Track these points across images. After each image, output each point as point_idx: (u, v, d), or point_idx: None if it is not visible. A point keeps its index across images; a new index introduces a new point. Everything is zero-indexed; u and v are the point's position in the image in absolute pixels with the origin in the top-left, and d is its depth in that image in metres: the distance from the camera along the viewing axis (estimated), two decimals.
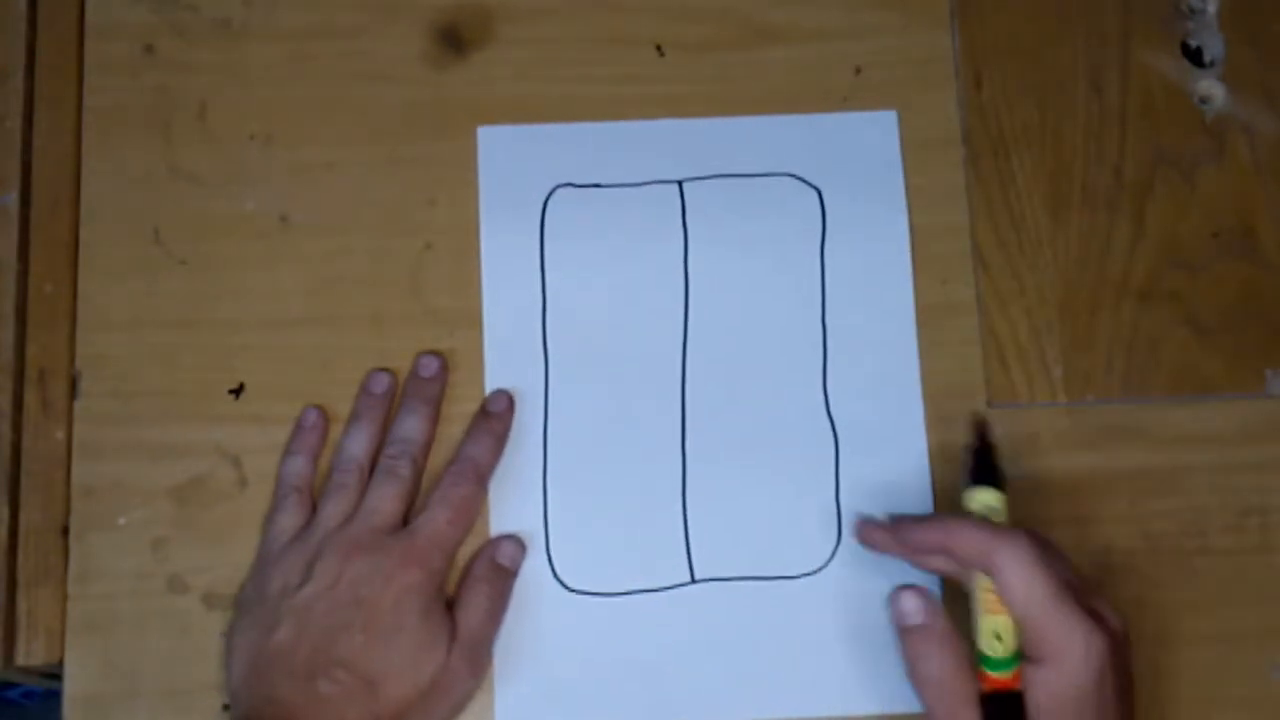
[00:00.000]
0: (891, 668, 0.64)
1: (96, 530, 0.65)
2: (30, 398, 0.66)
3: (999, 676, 0.55)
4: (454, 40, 0.70)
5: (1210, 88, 0.70)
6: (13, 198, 0.67)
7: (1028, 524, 0.65)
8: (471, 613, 0.62)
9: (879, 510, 0.65)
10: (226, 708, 0.63)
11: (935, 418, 0.66)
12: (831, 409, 0.67)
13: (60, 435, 0.66)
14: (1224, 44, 0.71)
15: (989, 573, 0.56)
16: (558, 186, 0.69)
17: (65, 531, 0.65)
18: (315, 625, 0.59)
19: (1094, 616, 0.55)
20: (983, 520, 0.58)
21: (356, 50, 0.70)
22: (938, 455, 0.66)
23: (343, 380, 0.66)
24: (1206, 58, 0.71)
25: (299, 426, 0.66)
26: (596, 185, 0.69)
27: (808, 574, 0.65)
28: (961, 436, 0.66)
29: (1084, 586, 0.57)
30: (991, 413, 0.67)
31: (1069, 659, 0.54)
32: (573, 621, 0.64)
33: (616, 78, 0.70)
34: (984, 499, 0.59)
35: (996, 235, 0.69)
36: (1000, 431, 0.66)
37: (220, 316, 0.67)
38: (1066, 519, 0.66)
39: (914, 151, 0.69)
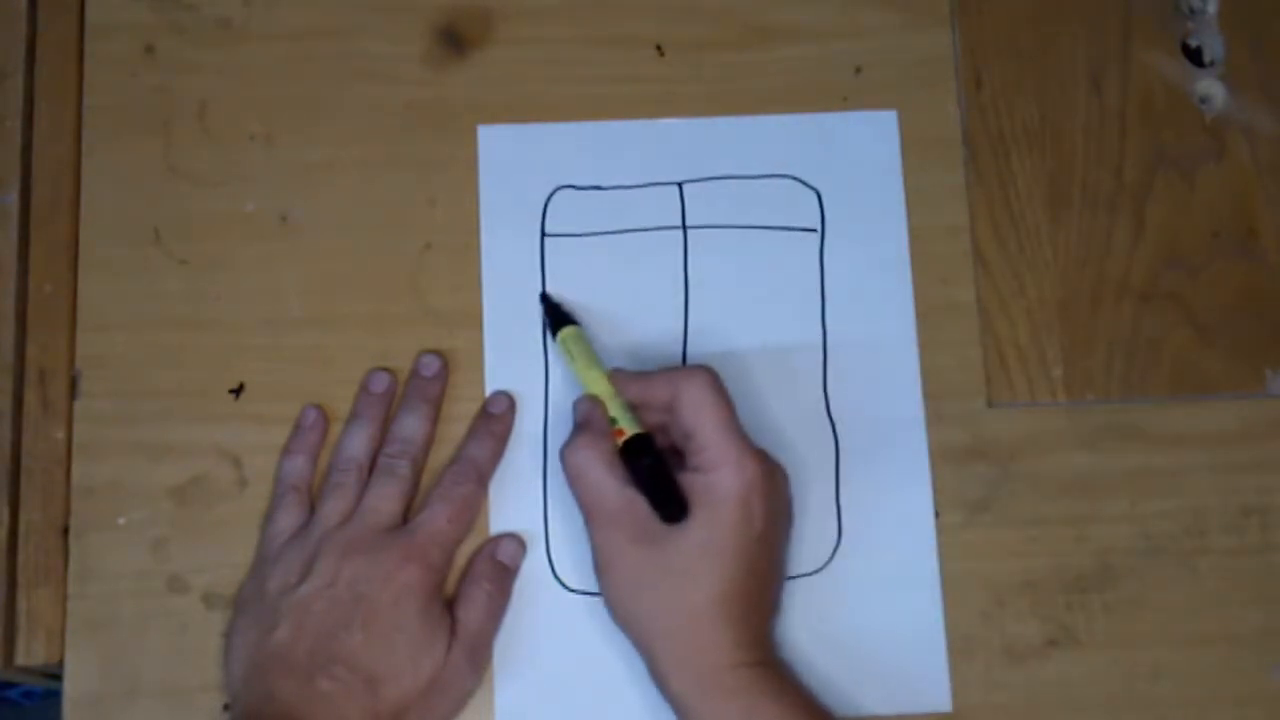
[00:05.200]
0: (892, 668, 0.64)
1: (96, 530, 0.65)
2: (30, 398, 0.66)
3: (621, 428, 0.62)
4: (454, 40, 0.70)
5: (1210, 88, 0.70)
6: (13, 198, 0.67)
7: (1028, 523, 0.65)
8: (471, 610, 0.62)
9: (878, 511, 0.65)
10: (226, 707, 0.63)
11: (935, 418, 0.66)
12: (831, 409, 0.67)
13: (60, 435, 0.66)
14: (1224, 44, 0.71)
15: (677, 402, 0.61)
16: (558, 188, 0.69)
17: (65, 531, 0.65)
18: (314, 623, 0.59)
19: (752, 449, 0.60)
20: (671, 369, 0.64)
21: (356, 50, 0.70)
22: (938, 455, 0.66)
23: (343, 380, 0.66)
24: (1206, 58, 0.71)
25: (298, 426, 0.66)
26: (597, 188, 0.69)
27: (807, 574, 0.65)
28: (962, 437, 0.66)
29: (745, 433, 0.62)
30: (991, 413, 0.67)
31: (724, 474, 0.60)
32: (573, 621, 0.64)
33: (616, 78, 0.70)
34: (568, 333, 0.65)
35: (996, 235, 0.69)
36: (1000, 431, 0.66)
37: (220, 316, 0.67)
38: (1066, 519, 0.66)
39: (914, 151, 0.69)
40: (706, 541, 0.59)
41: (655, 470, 0.61)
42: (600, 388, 0.63)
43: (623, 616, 0.61)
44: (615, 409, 0.63)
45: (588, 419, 0.63)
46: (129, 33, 0.70)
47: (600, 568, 0.62)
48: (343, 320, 0.67)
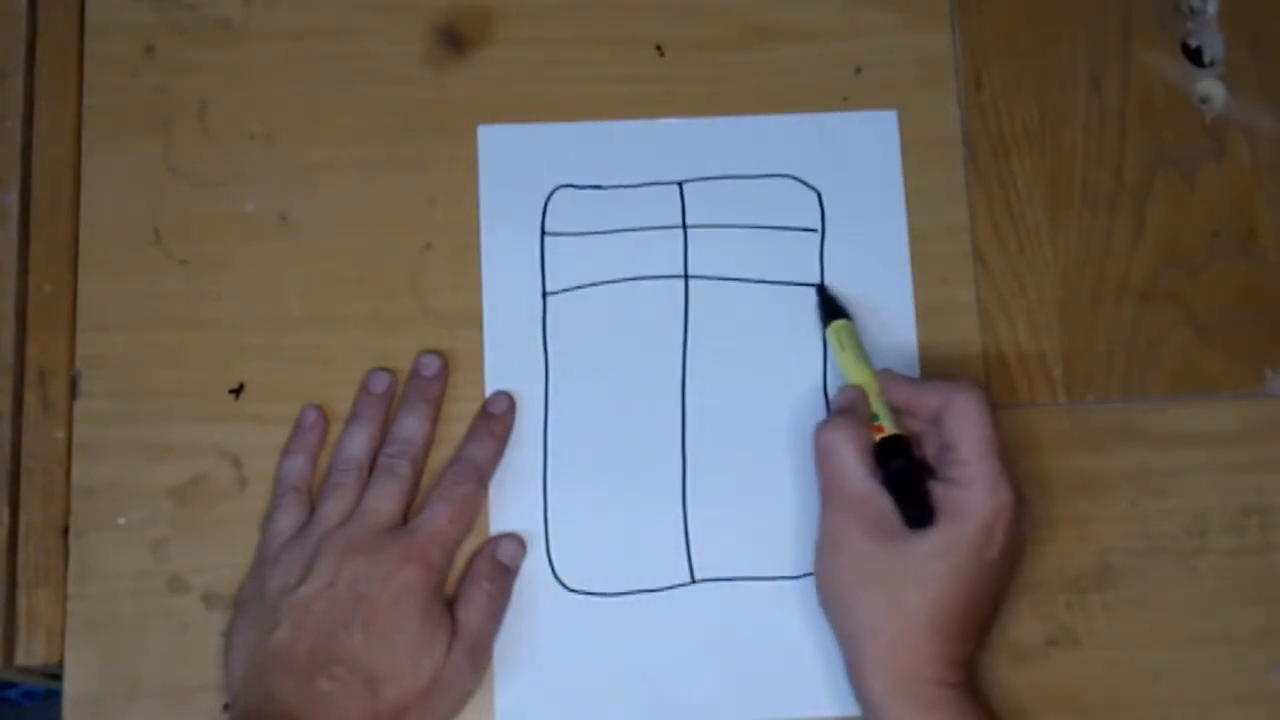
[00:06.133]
0: None
1: (96, 530, 0.65)
2: (30, 398, 0.66)
3: (881, 425, 0.62)
4: (454, 40, 0.71)
5: (1210, 88, 0.70)
6: (13, 198, 0.68)
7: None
8: (472, 610, 0.62)
9: None
10: (227, 708, 0.63)
11: None
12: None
13: (60, 435, 0.66)
14: (1224, 44, 0.71)
15: (945, 412, 0.61)
16: (558, 188, 0.69)
17: (65, 531, 0.65)
18: (314, 623, 0.59)
19: (1009, 478, 0.60)
20: (944, 379, 0.63)
21: (356, 50, 0.70)
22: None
23: (343, 380, 0.66)
24: (1206, 58, 0.71)
25: (298, 426, 0.66)
26: (597, 187, 0.69)
27: (808, 574, 0.65)
28: None
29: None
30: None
31: (977, 491, 0.59)
32: (573, 621, 0.64)
33: (616, 78, 0.70)
34: (841, 325, 0.65)
35: (996, 235, 0.69)
36: (1001, 431, 0.66)
37: (220, 316, 0.67)
38: (1066, 519, 0.66)
39: (914, 151, 0.69)
40: (942, 553, 0.58)
41: (908, 473, 0.61)
42: (867, 383, 0.63)
43: (836, 604, 0.61)
44: (878, 405, 0.62)
45: (851, 405, 0.63)
46: (129, 33, 0.70)
47: (825, 550, 0.62)
48: (343, 320, 0.67)
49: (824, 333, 0.67)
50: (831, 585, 0.61)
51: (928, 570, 0.58)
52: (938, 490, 0.60)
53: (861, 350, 0.65)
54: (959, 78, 0.70)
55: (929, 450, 0.62)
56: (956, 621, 0.59)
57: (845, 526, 0.61)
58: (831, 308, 0.66)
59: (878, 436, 0.62)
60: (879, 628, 0.59)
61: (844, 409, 0.63)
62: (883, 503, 0.60)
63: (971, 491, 0.59)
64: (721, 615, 0.64)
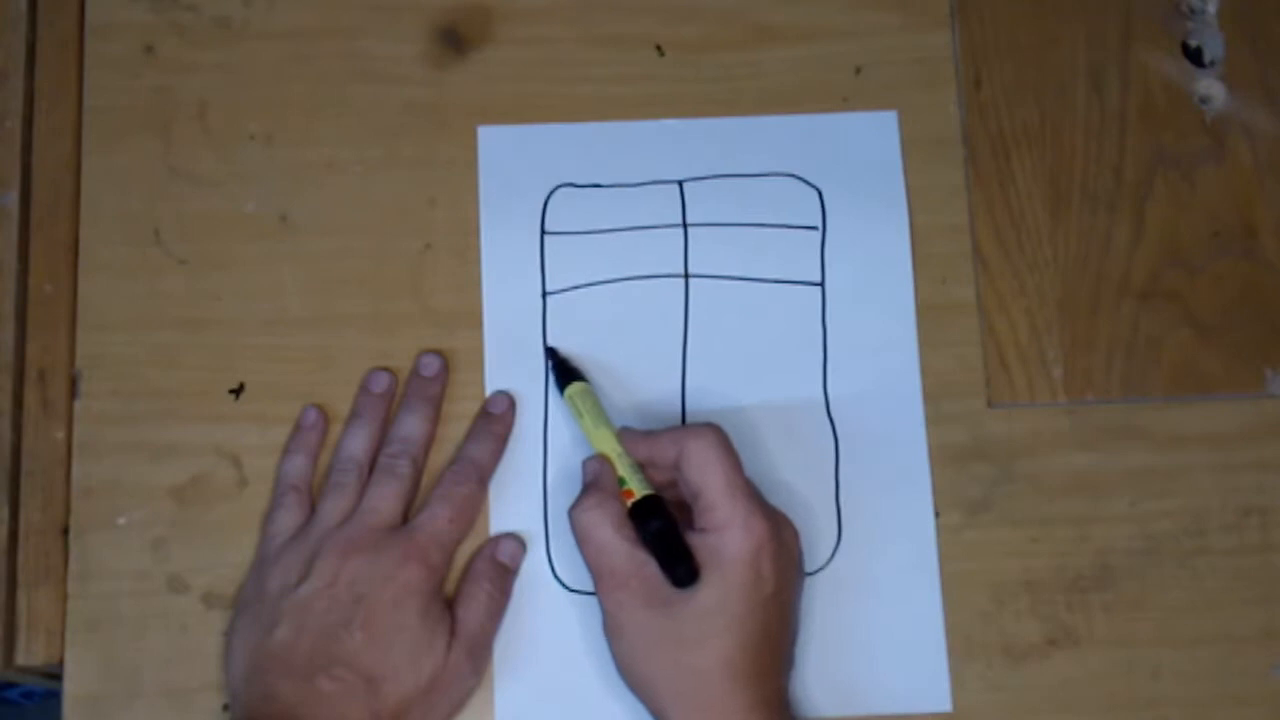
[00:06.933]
0: (892, 668, 0.64)
1: (96, 530, 0.65)
2: (30, 398, 0.66)
3: (630, 489, 0.62)
4: (454, 40, 0.71)
5: (1210, 88, 0.70)
6: (13, 198, 0.68)
7: (1028, 523, 0.65)
8: (472, 610, 0.62)
9: (878, 511, 0.65)
10: (226, 708, 0.63)
11: (935, 418, 0.66)
12: (831, 409, 0.67)
13: (60, 435, 0.66)
14: (1224, 44, 0.71)
15: (684, 462, 0.60)
16: (558, 186, 0.69)
17: (65, 531, 0.65)
18: (314, 623, 0.59)
19: (760, 508, 0.60)
20: (678, 428, 0.63)
21: (356, 50, 0.70)
22: (938, 455, 0.66)
23: (343, 380, 0.66)
24: (1206, 58, 0.71)
25: (298, 426, 0.66)
26: (597, 185, 0.69)
27: (808, 574, 0.65)
28: (962, 437, 0.66)
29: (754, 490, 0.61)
30: (991, 413, 0.67)
31: (732, 535, 0.59)
32: (573, 621, 0.64)
33: (616, 78, 0.70)
34: (577, 389, 0.64)
35: (996, 235, 0.69)
36: (1000, 431, 0.66)
37: (220, 316, 0.67)
38: (1066, 519, 0.66)
39: (914, 151, 0.69)
40: (718, 605, 0.58)
41: (664, 533, 0.60)
42: (608, 446, 0.63)
43: (634, 680, 0.60)
44: (624, 468, 0.62)
45: (596, 478, 0.62)
46: (129, 33, 0.70)
47: (610, 631, 0.61)
48: (343, 320, 0.67)
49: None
50: (627, 664, 0.60)
51: (708, 627, 0.58)
52: (697, 542, 0.59)
53: (599, 412, 0.64)
54: (959, 78, 0.70)
55: (685, 497, 0.61)
56: (753, 666, 0.58)
57: (621, 604, 0.60)
58: (564, 370, 0.65)
59: (629, 501, 0.61)
60: (680, 695, 0.58)
61: (591, 484, 0.63)
62: (650, 570, 0.60)
63: (727, 536, 0.59)
64: None
